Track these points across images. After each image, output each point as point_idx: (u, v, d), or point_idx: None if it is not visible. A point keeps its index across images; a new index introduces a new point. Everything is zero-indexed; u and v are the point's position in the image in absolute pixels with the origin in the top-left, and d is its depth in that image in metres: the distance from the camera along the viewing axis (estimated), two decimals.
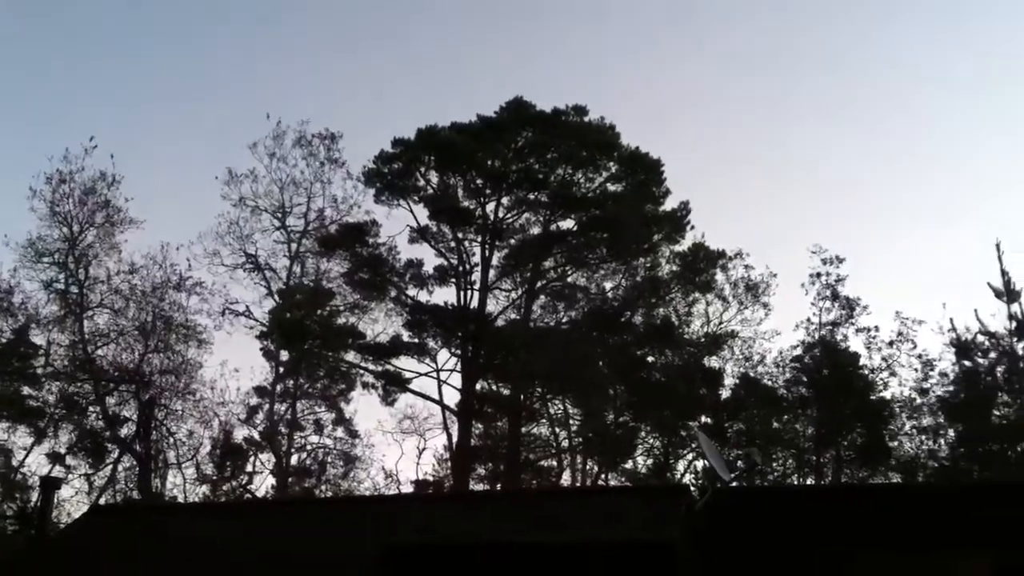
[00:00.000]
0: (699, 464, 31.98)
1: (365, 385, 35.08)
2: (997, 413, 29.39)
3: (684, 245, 34.94)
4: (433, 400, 33.72)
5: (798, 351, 31.35)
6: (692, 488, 28.35)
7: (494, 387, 35.05)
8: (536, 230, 34.90)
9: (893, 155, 63.35)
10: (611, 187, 34.88)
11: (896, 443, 29.97)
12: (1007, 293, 28.56)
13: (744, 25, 67.55)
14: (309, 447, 36.46)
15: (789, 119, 65.45)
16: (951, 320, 29.19)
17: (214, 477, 33.91)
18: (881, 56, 62.39)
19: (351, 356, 35.04)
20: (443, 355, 33.97)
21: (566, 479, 35.10)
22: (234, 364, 40.28)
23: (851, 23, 66.88)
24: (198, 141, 62.21)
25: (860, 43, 63.20)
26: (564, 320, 34.51)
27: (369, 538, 11.81)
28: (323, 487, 35.24)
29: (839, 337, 31.03)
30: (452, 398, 33.34)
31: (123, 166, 41.26)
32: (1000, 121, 62.37)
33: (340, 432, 36.54)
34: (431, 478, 33.94)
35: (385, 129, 35.14)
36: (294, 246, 36.60)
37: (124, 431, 32.86)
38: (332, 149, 36.68)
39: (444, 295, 34.25)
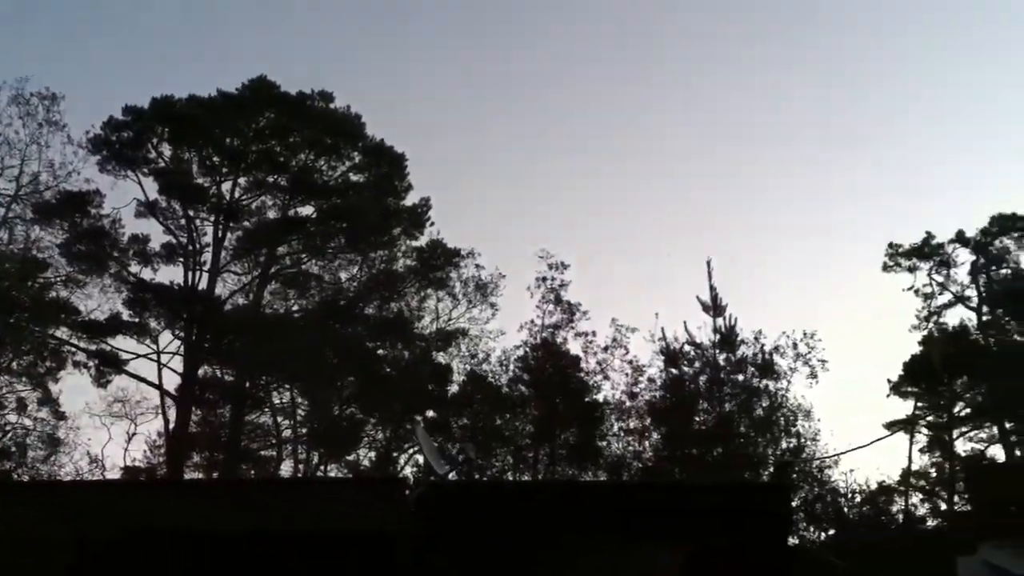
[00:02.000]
0: (420, 458, 32.36)
1: (77, 364, 32.98)
2: (698, 419, 31.41)
3: (422, 241, 35.31)
4: (151, 384, 32.21)
5: (521, 351, 32.34)
6: (411, 480, 28.88)
7: (218, 373, 33.96)
8: (273, 214, 34.19)
9: (625, 168, 66.77)
10: (353, 177, 34.72)
11: (605, 443, 31.46)
12: (714, 308, 30.66)
13: (495, 30, 69.10)
14: (8, 427, 33.83)
15: (532, 127, 67.62)
16: (662, 329, 30.90)
17: None
18: (617, 67, 65.63)
19: (62, 332, 32.90)
20: (165, 337, 32.61)
21: (286, 470, 34.55)
22: None
23: (584, 32, 69.94)
24: None
25: (598, 53, 66.20)
26: (296, 308, 33.97)
27: (69, 526, 11.13)
28: (20, 471, 32.81)
29: (560, 340, 32.21)
30: (172, 382, 32.09)
31: None
32: (714, 142, 67.09)
33: (44, 413, 34.14)
34: (142, 465, 32.46)
35: (121, 99, 32.99)
36: (2, 211, 33.86)
37: None
38: (52, 111, 34.05)
39: (170, 274, 32.89)
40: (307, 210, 34.27)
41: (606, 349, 31.54)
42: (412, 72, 68.72)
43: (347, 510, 11.52)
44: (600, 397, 31.81)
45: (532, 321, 32.10)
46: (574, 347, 32.12)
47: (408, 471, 32.79)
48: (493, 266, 35.75)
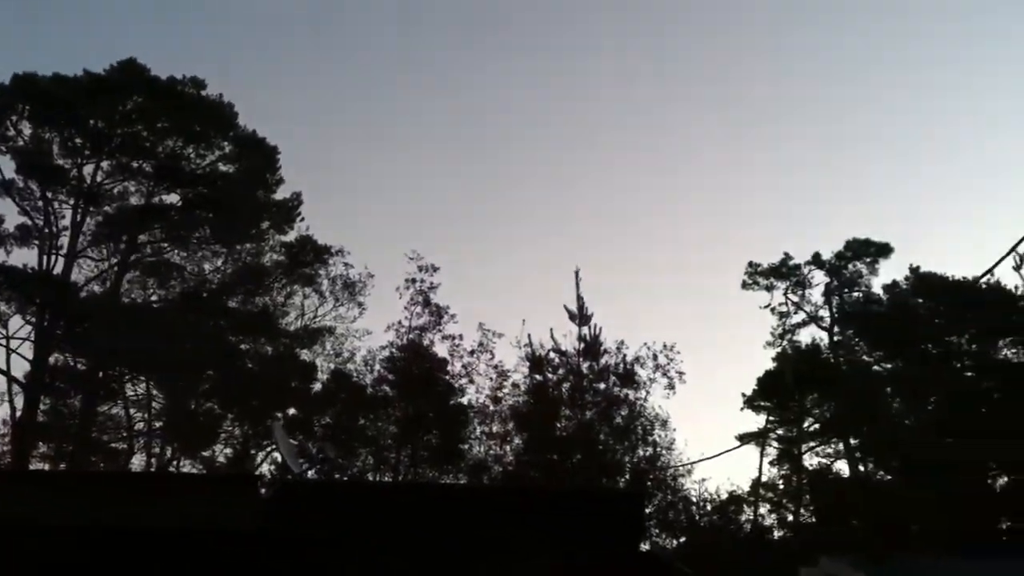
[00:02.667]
0: (278, 455, 31.85)
1: None
2: (560, 425, 31.81)
3: (291, 236, 34.77)
4: None
5: (387, 352, 32.18)
6: (268, 479, 28.38)
7: (70, 361, 32.67)
8: (136, 200, 33.09)
9: (498, 175, 67.25)
10: (223, 167, 33.93)
11: (468, 446, 31.58)
12: (580, 317, 31.10)
13: (375, 31, 68.73)
14: None
15: (407, 129, 67.51)
16: (528, 336, 31.18)
17: None
18: (489, 68, 66.13)
19: None
20: (16, 322, 31.20)
21: (138, 464, 33.49)
22: None
23: (455, 31, 70.26)
24: None
25: (470, 53, 66.56)
26: (156, 298, 32.97)
27: None
28: None
29: (427, 342, 32.19)
30: (21, 369, 30.72)
31: None
32: (587, 153, 68.31)
33: None
34: None
35: None
36: None
37: None
38: None
39: (24, 257, 31.53)
40: (172, 198, 33.37)
41: (472, 353, 31.63)
42: (290, 69, 67.69)
43: (199, 507, 11.26)
44: (465, 400, 31.93)
45: (400, 322, 31.99)
46: (441, 350, 32.15)
47: (266, 469, 32.25)
48: (362, 265, 35.53)
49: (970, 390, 35.64)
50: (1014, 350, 36.49)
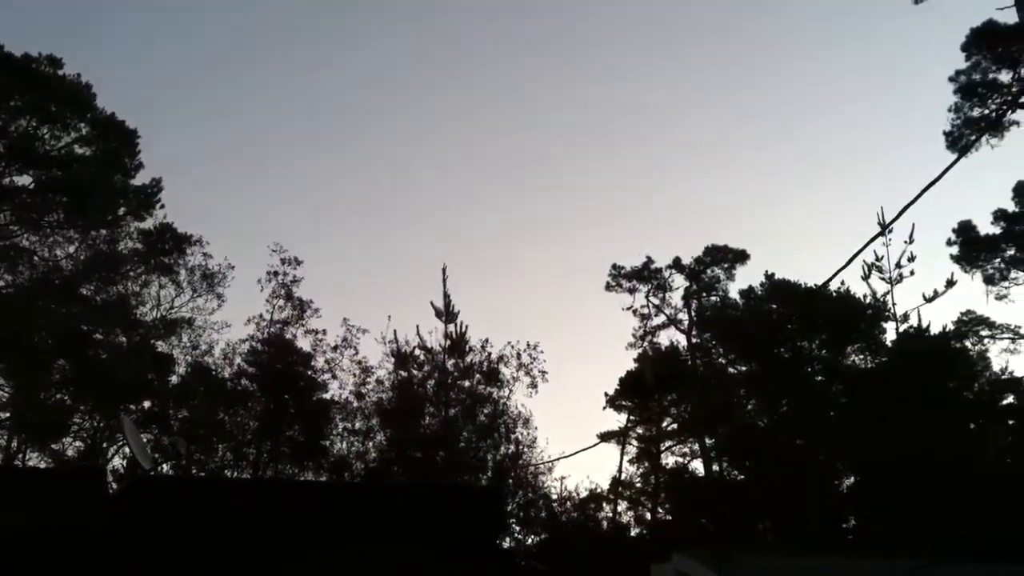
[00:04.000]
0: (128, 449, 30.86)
1: None
2: (424, 422, 31.81)
3: (150, 223, 33.71)
4: None
5: (247, 345, 31.60)
6: (119, 473, 27.50)
7: None
8: None
9: (368, 170, 66.81)
10: (79, 150, 32.55)
11: (330, 442, 31.26)
12: (446, 314, 31.14)
13: (249, 20, 67.32)
14: None
15: (272, 121, 66.33)
16: (394, 332, 31.09)
17: None
18: (353, 62, 65.57)
19: None
20: None
21: None
22: None
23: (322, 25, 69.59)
24: None
25: (337, 45, 65.89)
26: (3, 284, 31.45)
27: None
28: None
29: (289, 336, 31.75)
30: None
31: None
32: (457, 149, 68.54)
33: None
34: None
35: None
36: None
37: None
38: None
39: None
40: (24, 180, 31.87)
41: (336, 348, 31.38)
42: (157, 56, 65.56)
43: (42, 503, 10.85)
44: (328, 396, 31.61)
45: (261, 315, 31.46)
46: (304, 344, 31.76)
47: (118, 463, 31.23)
48: (222, 256, 34.76)
49: (819, 394, 37.14)
50: (861, 356, 38.17)
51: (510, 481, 30.49)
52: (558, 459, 32.26)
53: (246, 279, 38.11)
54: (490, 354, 31.36)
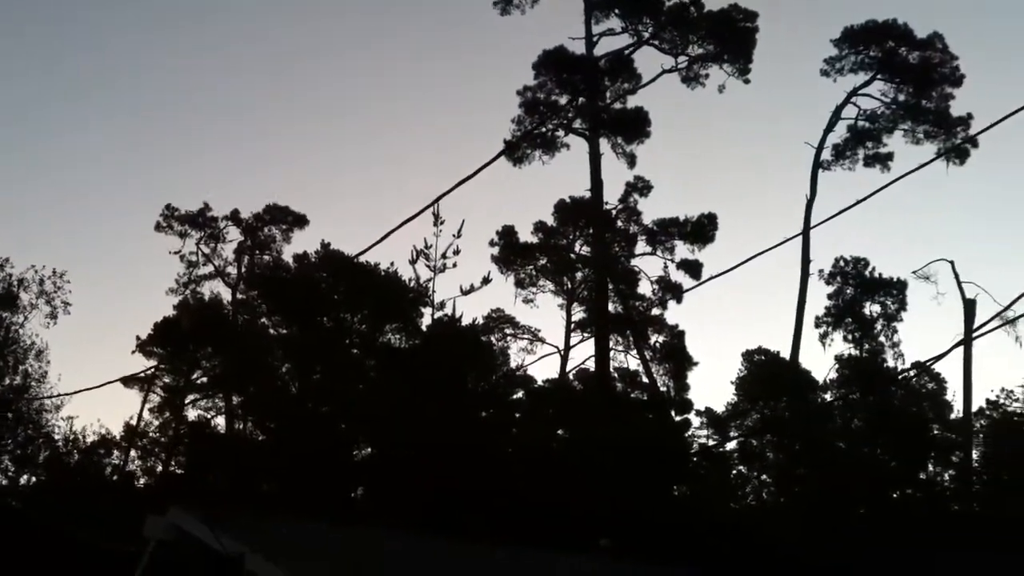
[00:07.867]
0: None
1: None
2: None
3: None
4: None
5: None
6: None
7: None
8: None
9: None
10: None
11: None
12: None
13: None
14: None
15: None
16: None
17: None
18: None
19: None
20: None
21: None
22: None
23: None
24: None
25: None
26: None
27: None
28: None
29: None
30: None
31: None
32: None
33: None
34: None
35: None
36: None
37: None
38: None
39: None
40: None
41: None
42: None
43: None
44: None
45: None
46: None
47: None
48: None
49: (354, 367, 37.99)
50: (397, 336, 39.61)
51: (9, 415, 28.21)
52: (70, 394, 30.48)
53: None
54: (10, 275, 28.79)
